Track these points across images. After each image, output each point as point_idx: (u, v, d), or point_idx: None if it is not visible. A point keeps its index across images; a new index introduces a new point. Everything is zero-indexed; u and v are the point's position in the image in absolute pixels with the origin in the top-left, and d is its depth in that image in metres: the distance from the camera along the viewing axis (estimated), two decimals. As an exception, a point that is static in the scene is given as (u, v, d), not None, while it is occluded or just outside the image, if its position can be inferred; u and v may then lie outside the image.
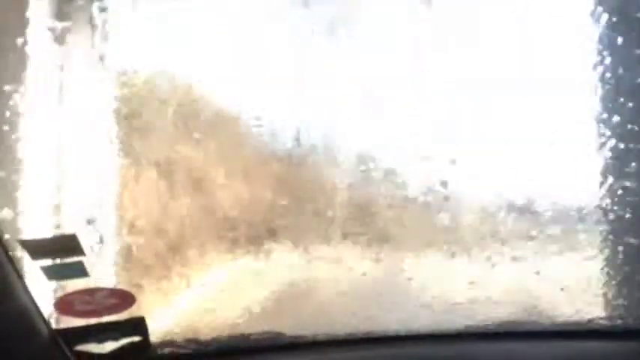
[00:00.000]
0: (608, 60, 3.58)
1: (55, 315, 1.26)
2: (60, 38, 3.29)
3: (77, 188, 3.24)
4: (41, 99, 3.10)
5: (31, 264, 1.21)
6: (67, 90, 3.27)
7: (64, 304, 1.26)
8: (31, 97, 2.94)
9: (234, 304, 7.50)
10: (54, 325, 1.22)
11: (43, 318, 1.18)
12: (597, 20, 3.72)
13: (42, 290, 1.36)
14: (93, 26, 3.35)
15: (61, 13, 3.28)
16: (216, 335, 1.54)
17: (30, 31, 2.93)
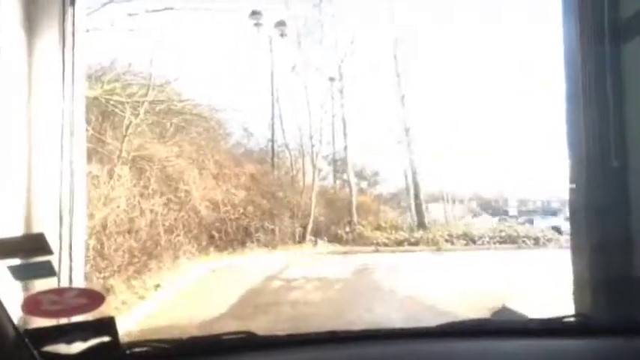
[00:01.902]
0: (577, 70, 3.69)
1: (21, 315, 1.24)
2: (29, 37, 3.27)
3: (47, 187, 3.21)
4: (11, 98, 3.07)
5: (-2, 263, 1.19)
6: (36, 88, 3.25)
7: (31, 304, 1.24)
8: (0, 97, 2.91)
9: (205, 304, 7.47)
10: (20, 326, 1.20)
11: (9, 318, 1.16)
12: (568, 33, 3.83)
13: (8, 290, 1.33)
14: (63, 27, 3.33)
15: (30, 17, 3.26)
16: (187, 335, 1.52)
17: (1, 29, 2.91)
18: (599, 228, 3.52)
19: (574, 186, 3.80)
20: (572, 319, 1.72)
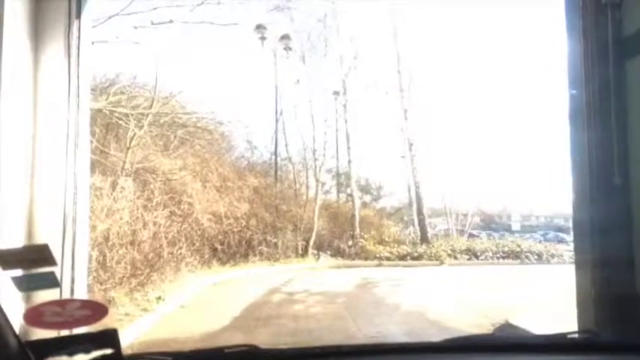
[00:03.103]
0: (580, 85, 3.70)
1: (24, 326, 1.23)
2: (35, 49, 3.29)
3: (50, 199, 3.21)
4: (16, 109, 3.08)
5: (1, 274, 1.19)
6: (42, 100, 3.27)
7: (33, 316, 1.24)
8: (5, 108, 2.92)
9: (207, 317, 7.46)
10: (23, 337, 1.20)
11: (12, 329, 1.16)
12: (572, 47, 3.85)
13: (11, 301, 1.33)
14: (69, 40, 3.35)
15: (36, 30, 3.29)
16: (189, 348, 1.52)
17: (6, 41, 2.92)
18: (603, 244, 3.51)
19: (577, 202, 3.80)
20: (576, 335, 1.72)
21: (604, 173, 3.53)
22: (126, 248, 8.13)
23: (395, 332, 6.19)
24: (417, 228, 17.82)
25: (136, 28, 8.64)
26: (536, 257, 15.91)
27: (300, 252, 14.95)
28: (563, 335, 1.61)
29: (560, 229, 21.87)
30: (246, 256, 13.10)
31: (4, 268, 1.22)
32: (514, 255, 15.95)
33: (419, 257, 15.39)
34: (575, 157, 3.80)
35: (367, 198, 20.69)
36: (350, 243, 16.09)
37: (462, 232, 19.62)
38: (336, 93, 17.91)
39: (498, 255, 15.86)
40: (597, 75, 3.60)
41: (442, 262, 14.78)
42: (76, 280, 3.26)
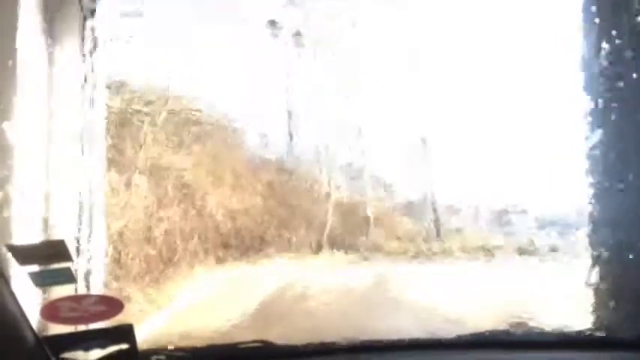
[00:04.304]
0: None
1: (40, 321, 1.24)
2: (50, 48, 3.31)
3: (66, 195, 3.24)
4: (31, 108, 3.10)
5: (18, 270, 1.20)
6: (57, 98, 3.29)
7: (49, 311, 1.25)
8: (21, 104, 2.95)
9: (222, 313, 7.49)
10: (39, 332, 1.21)
11: (29, 325, 1.17)
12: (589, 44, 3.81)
13: (28, 296, 1.34)
14: (83, 38, 3.38)
15: (51, 28, 3.31)
16: (204, 344, 1.52)
17: (20, 41, 2.94)
18: (619, 239, 3.48)
19: (594, 198, 3.77)
20: (591, 332, 1.71)
21: (621, 168, 3.50)
22: (140, 245, 8.18)
23: (408, 328, 6.18)
24: (432, 224, 17.72)
25: (149, 26, 8.67)
26: (551, 253, 15.79)
27: (313, 248, 14.93)
28: (578, 332, 1.61)
29: (571, 225, 21.66)
30: (259, 252, 13.13)
31: (21, 264, 1.23)
32: (529, 251, 15.83)
33: (433, 254, 15.32)
34: (591, 154, 3.78)
35: (381, 193, 20.60)
36: (364, 239, 16.04)
37: (476, 228, 19.50)
38: (350, 87, 17.85)
39: (513, 251, 15.75)
40: (613, 75, 3.57)
41: (456, 258, 14.70)
42: (91, 276, 3.29)
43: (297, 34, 16.85)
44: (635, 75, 3.50)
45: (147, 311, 6.88)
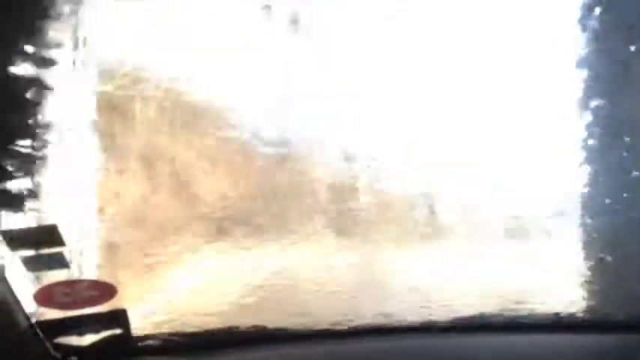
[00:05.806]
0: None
1: (34, 307, 1.24)
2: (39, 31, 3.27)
3: (58, 180, 3.22)
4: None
5: (10, 254, 1.19)
6: (49, 83, 3.25)
7: (43, 296, 1.24)
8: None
9: (215, 297, 7.47)
10: (33, 317, 1.20)
11: (22, 310, 1.16)
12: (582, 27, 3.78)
13: (21, 281, 1.34)
14: (75, 20, 3.33)
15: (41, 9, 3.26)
16: (196, 329, 1.52)
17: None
18: (612, 224, 3.49)
19: (588, 181, 3.77)
20: (588, 314, 1.71)
21: (614, 153, 3.50)
22: (133, 230, 8.16)
23: (403, 312, 6.19)
24: (426, 211, 17.77)
25: (144, 10, 8.59)
26: (546, 236, 15.86)
27: (308, 232, 14.96)
28: (571, 314, 1.61)
29: (566, 210, 21.78)
30: (253, 236, 13.11)
31: (13, 249, 1.22)
32: (522, 234, 15.91)
33: (429, 236, 15.34)
34: (585, 137, 3.77)
35: (377, 178, 20.64)
36: (358, 224, 16.08)
37: (472, 211, 19.55)
38: (347, 73, 17.80)
39: (507, 234, 15.81)
40: (612, 67, 3.55)
41: (453, 241, 14.74)
42: (84, 261, 3.28)
43: (294, 19, 16.72)
44: (635, 71, 3.49)
45: (140, 296, 6.85)
